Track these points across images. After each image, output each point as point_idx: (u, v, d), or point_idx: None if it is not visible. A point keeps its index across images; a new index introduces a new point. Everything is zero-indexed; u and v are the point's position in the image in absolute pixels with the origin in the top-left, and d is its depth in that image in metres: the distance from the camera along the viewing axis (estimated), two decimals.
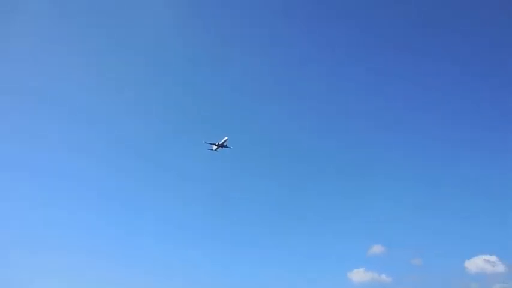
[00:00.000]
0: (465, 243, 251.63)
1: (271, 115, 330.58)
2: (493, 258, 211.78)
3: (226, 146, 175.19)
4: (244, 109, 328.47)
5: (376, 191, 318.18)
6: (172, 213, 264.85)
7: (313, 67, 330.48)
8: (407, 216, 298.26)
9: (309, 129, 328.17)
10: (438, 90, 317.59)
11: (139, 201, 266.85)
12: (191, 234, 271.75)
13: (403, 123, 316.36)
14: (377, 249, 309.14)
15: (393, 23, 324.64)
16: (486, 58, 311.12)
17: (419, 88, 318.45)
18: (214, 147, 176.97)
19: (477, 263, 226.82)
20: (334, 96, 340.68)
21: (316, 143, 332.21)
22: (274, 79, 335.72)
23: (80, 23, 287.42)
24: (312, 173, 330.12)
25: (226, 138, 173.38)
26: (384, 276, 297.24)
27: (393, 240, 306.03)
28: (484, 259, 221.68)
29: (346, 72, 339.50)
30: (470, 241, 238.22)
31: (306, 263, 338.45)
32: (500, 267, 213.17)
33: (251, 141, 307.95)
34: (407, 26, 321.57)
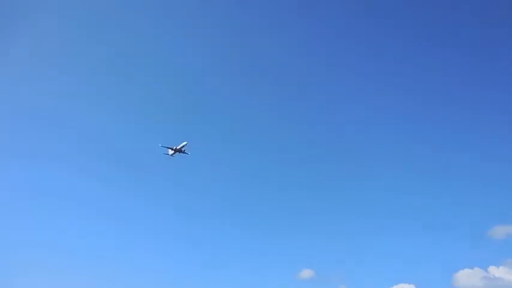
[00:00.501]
0: (385, 271, 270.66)
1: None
2: (411, 287, 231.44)
3: (184, 152, 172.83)
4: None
5: (305, 218, 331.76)
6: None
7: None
8: (335, 243, 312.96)
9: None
10: None
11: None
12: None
13: None
14: (307, 273, 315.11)
15: None
16: None
17: None
18: (171, 151, 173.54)
19: None
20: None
21: None
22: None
23: None
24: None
25: (185, 143, 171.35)
26: None
27: (322, 265, 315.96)
28: (403, 287, 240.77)
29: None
30: (390, 270, 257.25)
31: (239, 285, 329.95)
32: None
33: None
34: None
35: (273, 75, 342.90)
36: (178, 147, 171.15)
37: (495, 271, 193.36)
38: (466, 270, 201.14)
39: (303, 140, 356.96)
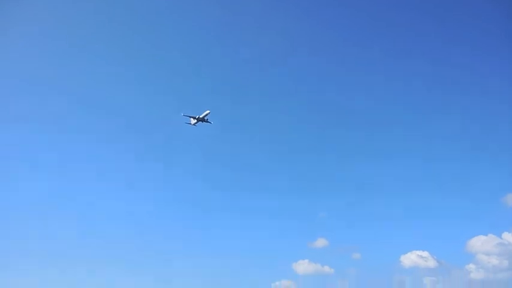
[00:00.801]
0: (400, 240, 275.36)
1: None
2: (425, 253, 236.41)
3: (206, 121, 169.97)
4: None
5: (321, 188, 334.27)
6: None
7: None
8: (348, 213, 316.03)
9: None
10: None
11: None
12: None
13: None
14: (320, 242, 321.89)
15: None
16: None
17: None
18: (193, 121, 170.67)
19: (411, 258, 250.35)
20: None
21: None
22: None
23: None
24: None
25: (208, 111, 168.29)
26: (326, 268, 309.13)
27: (335, 235, 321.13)
28: (417, 254, 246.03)
29: None
30: (405, 238, 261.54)
31: (251, 253, 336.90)
32: (431, 262, 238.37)
33: None
34: None
35: (289, 41, 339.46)
36: (201, 116, 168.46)
37: (509, 237, 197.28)
38: (480, 237, 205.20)
39: (313, 105, 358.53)
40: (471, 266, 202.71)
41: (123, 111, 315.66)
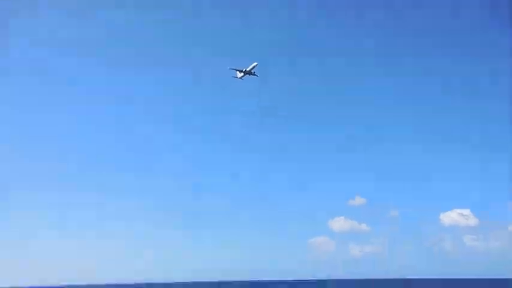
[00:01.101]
0: (441, 198, 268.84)
1: None
2: (467, 211, 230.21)
3: (253, 74, 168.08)
4: None
5: (359, 145, 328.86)
6: None
7: None
8: (387, 170, 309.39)
9: None
10: None
11: None
12: None
13: None
14: (358, 200, 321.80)
15: None
16: None
17: None
18: (240, 74, 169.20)
19: (451, 216, 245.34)
20: None
21: None
22: None
23: None
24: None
25: (255, 63, 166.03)
26: (363, 225, 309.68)
27: (373, 193, 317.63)
28: (458, 213, 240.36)
29: None
30: (446, 196, 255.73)
31: (289, 209, 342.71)
32: (473, 221, 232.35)
33: None
34: None
35: None
36: (248, 69, 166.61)
37: None
38: None
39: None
40: None
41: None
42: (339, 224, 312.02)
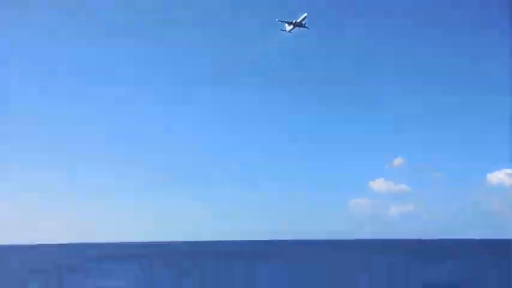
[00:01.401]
0: (488, 157, 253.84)
1: None
2: None
3: (304, 26, 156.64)
4: None
5: (401, 106, 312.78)
6: None
7: None
8: (429, 129, 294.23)
9: None
10: None
11: None
12: None
13: None
14: (399, 161, 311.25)
15: None
16: None
17: None
18: (289, 27, 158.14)
19: (499, 177, 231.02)
20: None
21: None
22: None
23: None
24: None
25: (305, 14, 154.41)
26: (404, 186, 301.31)
27: (415, 153, 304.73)
28: (506, 172, 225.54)
29: None
30: (493, 155, 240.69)
31: (329, 171, 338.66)
32: None
33: None
34: None
35: None
36: (298, 21, 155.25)
37: None
38: None
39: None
40: None
41: None
42: (379, 185, 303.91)
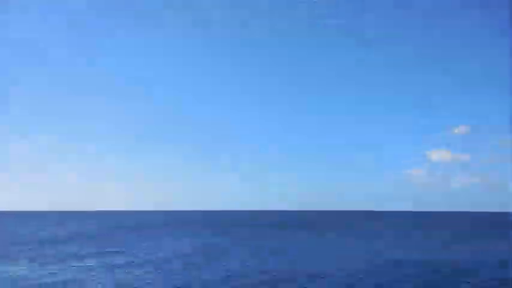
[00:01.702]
0: None
1: None
2: None
3: None
4: None
5: (466, 70, 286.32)
6: None
7: None
8: (496, 93, 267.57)
9: None
10: None
11: None
12: None
13: None
14: (462, 129, 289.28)
15: None
16: None
17: None
18: None
19: None
20: None
21: None
22: None
23: None
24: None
25: None
26: (461, 155, 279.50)
27: (479, 118, 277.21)
28: None
29: None
30: None
31: (383, 142, 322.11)
32: None
33: None
34: None
35: None
36: None
37: None
38: None
39: None
40: None
41: None
42: (436, 154, 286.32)
